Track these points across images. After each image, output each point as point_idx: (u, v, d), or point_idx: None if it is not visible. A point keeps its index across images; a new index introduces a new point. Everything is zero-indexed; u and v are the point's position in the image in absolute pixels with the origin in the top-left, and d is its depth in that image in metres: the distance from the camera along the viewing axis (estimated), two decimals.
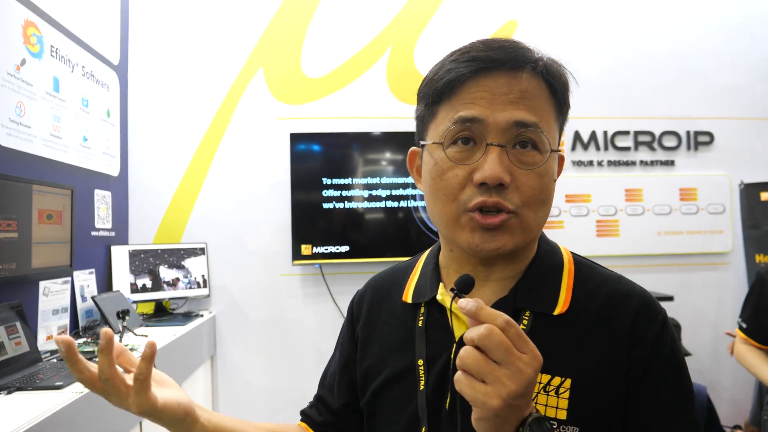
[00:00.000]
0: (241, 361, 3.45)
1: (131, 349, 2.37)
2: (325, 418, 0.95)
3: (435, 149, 0.75)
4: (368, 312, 0.92)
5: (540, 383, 0.72)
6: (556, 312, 0.76)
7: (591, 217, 3.71)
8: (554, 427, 0.70)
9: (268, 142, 3.52)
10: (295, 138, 3.41)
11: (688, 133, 3.80)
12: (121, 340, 2.48)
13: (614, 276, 0.81)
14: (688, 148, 3.80)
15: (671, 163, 3.80)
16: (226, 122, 3.51)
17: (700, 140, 3.82)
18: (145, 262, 3.21)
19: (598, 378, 0.72)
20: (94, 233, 2.98)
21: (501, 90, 0.71)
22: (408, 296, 0.86)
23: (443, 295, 0.81)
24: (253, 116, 3.53)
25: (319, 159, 3.45)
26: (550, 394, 0.72)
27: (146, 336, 2.66)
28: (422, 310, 0.82)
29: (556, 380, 0.72)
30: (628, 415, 0.72)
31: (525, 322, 0.75)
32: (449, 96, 0.73)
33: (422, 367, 0.78)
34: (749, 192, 3.76)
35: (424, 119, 0.79)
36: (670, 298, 3.37)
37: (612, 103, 3.76)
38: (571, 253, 0.85)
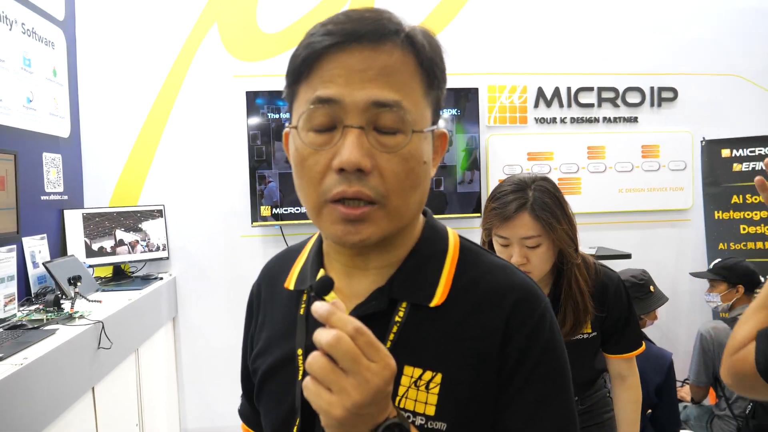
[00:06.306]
0: (203, 322, 3.47)
1: (80, 317, 2.36)
2: (255, 412, 0.91)
3: (296, 133, 0.70)
4: (264, 300, 0.90)
5: (411, 377, 0.70)
6: (433, 303, 0.72)
7: (553, 174, 3.70)
8: (423, 425, 0.69)
9: (225, 100, 3.43)
10: (252, 96, 3.33)
11: (652, 89, 3.77)
12: (72, 307, 2.46)
13: (499, 265, 0.77)
14: (652, 104, 3.78)
15: (634, 119, 3.78)
16: (181, 80, 3.41)
17: (664, 96, 3.79)
18: (100, 226, 3.16)
19: (469, 374, 0.70)
20: (44, 197, 2.91)
21: (358, 66, 0.66)
22: (291, 283, 0.83)
23: None
24: (208, 74, 3.43)
25: (276, 117, 3.38)
26: (420, 388, 0.70)
27: (100, 302, 2.64)
28: (305, 297, 0.79)
29: (427, 375, 0.70)
30: (497, 413, 0.70)
31: (401, 313, 0.72)
32: (307, 74, 0.69)
33: (301, 357, 0.76)
34: (710, 149, 3.77)
35: (289, 100, 0.74)
36: (627, 256, 3.41)
37: (576, 59, 3.70)
38: (461, 238, 0.81)
